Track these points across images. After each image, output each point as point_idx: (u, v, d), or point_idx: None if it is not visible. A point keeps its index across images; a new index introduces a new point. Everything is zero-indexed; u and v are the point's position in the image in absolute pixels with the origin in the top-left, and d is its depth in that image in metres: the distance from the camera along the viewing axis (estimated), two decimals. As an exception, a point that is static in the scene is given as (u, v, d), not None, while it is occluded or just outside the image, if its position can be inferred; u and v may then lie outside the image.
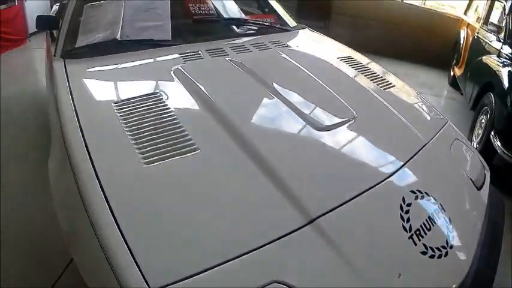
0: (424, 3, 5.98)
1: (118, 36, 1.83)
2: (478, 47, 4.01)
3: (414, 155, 1.37)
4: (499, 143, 2.69)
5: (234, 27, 2.24)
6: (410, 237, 1.06)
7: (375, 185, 1.15)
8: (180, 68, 1.60)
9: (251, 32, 2.20)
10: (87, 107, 1.37)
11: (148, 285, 0.77)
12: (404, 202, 1.14)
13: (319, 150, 1.26)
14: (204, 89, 1.43)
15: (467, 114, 3.58)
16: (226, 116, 1.28)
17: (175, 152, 1.10)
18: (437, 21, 5.39)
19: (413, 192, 1.19)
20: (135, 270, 0.79)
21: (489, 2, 4.22)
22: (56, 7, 3.91)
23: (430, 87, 4.70)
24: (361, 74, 1.89)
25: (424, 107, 1.84)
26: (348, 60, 2.03)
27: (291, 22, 2.55)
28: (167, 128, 1.20)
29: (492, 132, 2.80)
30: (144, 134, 1.17)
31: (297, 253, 0.91)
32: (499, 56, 3.42)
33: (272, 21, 2.40)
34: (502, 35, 3.56)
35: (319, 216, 0.98)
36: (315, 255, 0.92)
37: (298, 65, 1.77)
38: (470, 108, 3.52)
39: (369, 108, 1.58)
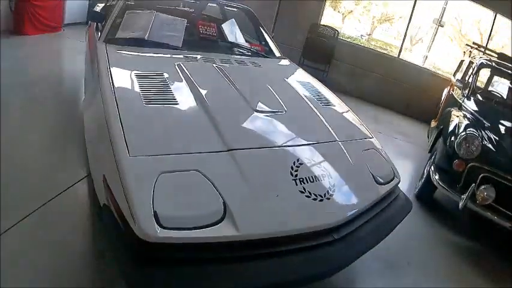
0: (424, 63, 7.10)
1: (146, 37, 2.90)
2: (450, 102, 4.85)
3: (321, 142, 2.16)
4: (436, 177, 3.44)
5: (228, 47, 3.33)
6: (294, 179, 1.81)
7: (279, 146, 2.00)
8: (181, 63, 2.62)
9: (239, 53, 3.29)
10: (118, 72, 2.36)
11: (128, 153, 1.67)
12: (298, 161, 1.91)
13: (251, 120, 2.19)
14: (189, 75, 2.43)
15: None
16: (198, 90, 2.27)
17: (163, 102, 2.10)
18: (430, 80, 6.33)
19: (308, 159, 1.97)
20: (124, 146, 1.70)
21: (468, 62, 5.13)
22: (98, 7, 5.07)
23: (407, 135, 5.60)
24: (310, 93, 2.79)
25: (355, 125, 2.62)
26: (304, 83, 2.98)
27: (276, 53, 3.63)
28: (162, 90, 2.21)
29: (432, 168, 3.57)
30: (148, 91, 2.17)
31: (215, 163, 1.77)
32: (460, 108, 4.24)
33: (258, 49, 3.50)
34: (466, 91, 4.45)
35: (235, 149, 1.85)
36: (225, 168, 1.75)
37: (259, 76, 2.76)
38: (428, 152, 4.29)
39: (298, 110, 2.47)
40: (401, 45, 6.69)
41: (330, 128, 2.35)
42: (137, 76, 2.33)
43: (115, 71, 2.35)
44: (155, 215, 1.46)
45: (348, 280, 2.48)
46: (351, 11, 11.77)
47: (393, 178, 2.30)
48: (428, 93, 6.18)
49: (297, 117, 2.39)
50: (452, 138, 3.47)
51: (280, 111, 2.35)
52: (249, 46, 3.48)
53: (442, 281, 2.71)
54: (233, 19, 3.68)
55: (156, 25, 3.00)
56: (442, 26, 7.14)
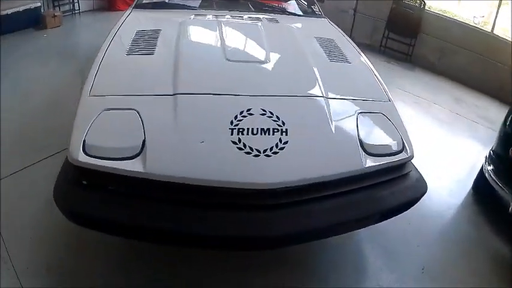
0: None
1: (167, 0, 3.12)
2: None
3: (296, 96, 1.97)
4: (489, 167, 2.83)
5: (249, 5, 3.28)
6: (232, 129, 1.67)
7: (234, 94, 1.89)
8: (185, 20, 2.68)
9: (261, 10, 3.22)
10: (124, 29, 2.58)
11: (89, 93, 1.86)
12: (248, 111, 1.74)
13: (217, 68, 2.14)
14: (184, 30, 2.49)
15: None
16: (181, 42, 2.31)
17: (142, 53, 2.23)
18: (532, 61, 5.32)
19: (263, 110, 1.76)
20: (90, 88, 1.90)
21: None
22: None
23: (492, 121, 4.81)
24: (322, 48, 2.54)
25: (366, 85, 2.27)
26: (323, 39, 2.72)
27: (315, 12, 3.50)
28: (148, 43, 2.33)
29: (487, 155, 2.95)
30: (135, 43, 2.33)
31: (155, 105, 1.82)
32: None
33: (285, 7, 3.43)
34: None
35: (180, 94, 1.86)
36: (163, 111, 1.78)
37: (263, 30, 2.61)
38: None
39: (288, 63, 2.29)
40: (495, 19, 5.65)
41: (320, 83, 2.07)
42: (137, 32, 2.49)
43: (122, 28, 2.57)
44: (83, 143, 1.65)
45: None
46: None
47: (400, 152, 1.90)
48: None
49: (280, 68, 2.22)
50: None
51: (259, 61, 2.20)
52: (273, 4, 3.43)
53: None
54: None
55: (179, -11, 3.18)
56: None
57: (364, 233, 2.42)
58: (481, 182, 3.09)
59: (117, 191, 1.64)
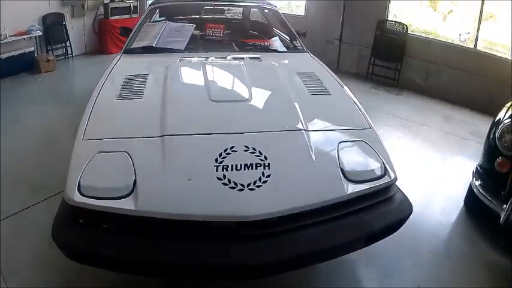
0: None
1: (153, 44, 3.27)
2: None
3: (276, 131, 2.08)
4: (476, 182, 2.86)
5: (232, 46, 3.50)
6: (216, 166, 1.80)
7: (218, 133, 2.02)
8: (171, 64, 2.86)
9: (243, 50, 3.43)
10: (113, 75, 2.75)
11: (83, 137, 2.01)
12: (231, 148, 1.87)
13: (201, 109, 2.27)
14: (170, 73, 2.65)
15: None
16: (167, 85, 2.47)
17: (131, 97, 2.38)
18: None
19: (246, 147, 1.89)
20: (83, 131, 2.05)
21: None
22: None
23: (481, 136, 4.84)
24: (303, 82, 2.69)
25: (346, 115, 2.39)
26: (304, 73, 2.88)
27: (298, 47, 3.67)
28: (136, 87, 2.49)
29: (474, 169, 3.01)
30: (125, 88, 2.48)
31: (145, 146, 1.97)
32: None
33: (268, 44, 3.61)
34: None
35: (168, 135, 2.00)
36: (152, 152, 1.93)
37: (245, 70, 2.75)
38: None
39: (269, 99, 2.44)
40: (477, 35, 5.85)
41: (301, 117, 2.22)
42: (126, 77, 2.65)
43: (112, 74, 2.74)
44: (78, 184, 1.78)
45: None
46: (451, 11, 10.72)
47: (382, 176, 1.99)
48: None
49: (262, 105, 2.38)
50: (495, 129, 2.86)
51: (243, 100, 2.34)
52: (256, 43, 3.66)
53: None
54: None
55: (165, 33, 3.37)
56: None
57: (356, 256, 2.45)
58: (471, 198, 3.14)
59: (112, 228, 1.76)
